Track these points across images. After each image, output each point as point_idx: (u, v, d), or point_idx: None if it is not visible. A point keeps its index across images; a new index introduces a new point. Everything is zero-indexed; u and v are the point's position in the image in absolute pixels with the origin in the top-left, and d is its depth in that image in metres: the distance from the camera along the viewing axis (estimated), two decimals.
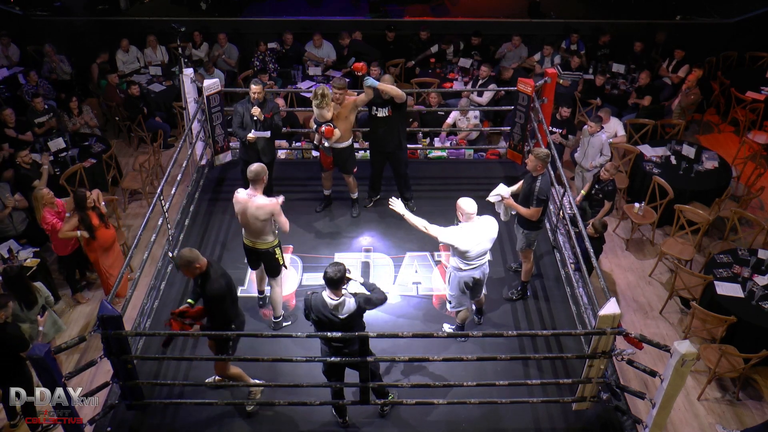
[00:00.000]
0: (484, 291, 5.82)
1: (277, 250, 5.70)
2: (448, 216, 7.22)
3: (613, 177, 7.28)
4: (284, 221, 5.56)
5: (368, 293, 4.70)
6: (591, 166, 8.00)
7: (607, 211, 7.42)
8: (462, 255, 5.30)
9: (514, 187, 6.04)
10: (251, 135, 6.66)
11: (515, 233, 6.19)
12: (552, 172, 6.85)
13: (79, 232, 6.58)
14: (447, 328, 5.98)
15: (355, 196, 7.32)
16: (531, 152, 5.89)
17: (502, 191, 5.90)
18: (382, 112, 6.70)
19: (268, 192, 6.52)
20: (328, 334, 4.65)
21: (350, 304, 4.62)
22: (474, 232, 5.26)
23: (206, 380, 5.34)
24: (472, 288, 5.55)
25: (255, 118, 6.63)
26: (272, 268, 5.80)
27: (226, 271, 4.89)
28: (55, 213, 6.65)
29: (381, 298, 4.72)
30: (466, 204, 5.27)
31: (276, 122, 6.80)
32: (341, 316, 4.61)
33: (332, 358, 4.80)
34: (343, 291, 4.60)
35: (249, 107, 6.67)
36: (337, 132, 6.59)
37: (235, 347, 5.08)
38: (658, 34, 10.85)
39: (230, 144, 8.00)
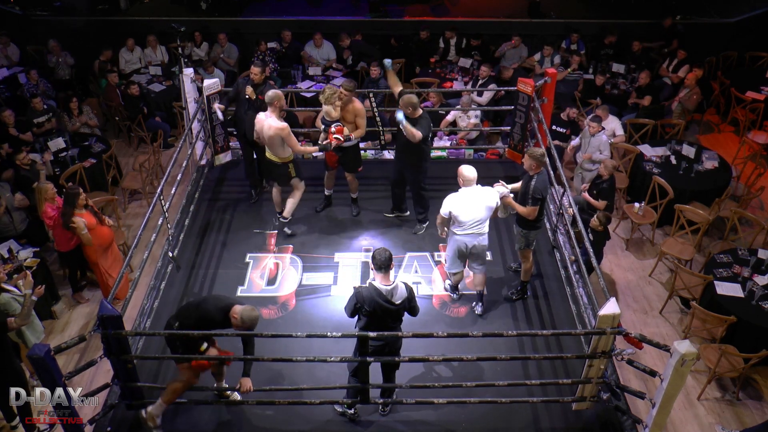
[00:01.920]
0: (483, 270, 5.99)
1: (290, 165, 6.61)
2: None
3: (610, 174, 7.25)
4: (294, 143, 6.41)
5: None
6: (585, 157, 7.99)
7: (602, 210, 7.35)
8: (456, 219, 5.69)
9: (516, 185, 6.07)
10: (216, 105, 7.38)
11: (515, 233, 6.20)
12: (552, 172, 6.86)
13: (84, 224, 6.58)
14: (446, 283, 6.38)
15: (355, 195, 7.33)
16: (526, 151, 5.95)
17: (500, 190, 5.93)
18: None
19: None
20: (372, 333, 4.74)
21: (402, 289, 4.73)
22: (470, 198, 5.69)
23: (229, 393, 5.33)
24: (468, 255, 5.91)
25: (247, 96, 7.01)
26: (282, 179, 6.74)
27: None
28: (56, 208, 6.65)
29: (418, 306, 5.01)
30: (466, 170, 5.73)
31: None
32: (397, 302, 4.69)
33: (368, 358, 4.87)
34: (392, 277, 4.72)
35: (245, 83, 7.11)
36: (346, 130, 6.65)
37: None
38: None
39: (230, 144, 8.01)
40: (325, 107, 6.63)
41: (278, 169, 6.65)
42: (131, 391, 5.08)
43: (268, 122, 6.34)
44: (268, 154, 6.60)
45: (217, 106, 7.42)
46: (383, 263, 4.66)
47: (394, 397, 5.29)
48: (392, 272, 4.77)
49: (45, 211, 6.59)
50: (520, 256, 6.23)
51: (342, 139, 6.62)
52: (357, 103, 6.81)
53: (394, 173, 7.03)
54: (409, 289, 4.82)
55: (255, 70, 6.97)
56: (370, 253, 6.79)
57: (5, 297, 5.69)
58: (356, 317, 4.90)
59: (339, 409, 5.26)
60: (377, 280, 4.70)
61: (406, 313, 4.93)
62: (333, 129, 6.57)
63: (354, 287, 4.87)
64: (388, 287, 4.67)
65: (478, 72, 9.83)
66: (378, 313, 4.71)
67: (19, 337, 5.94)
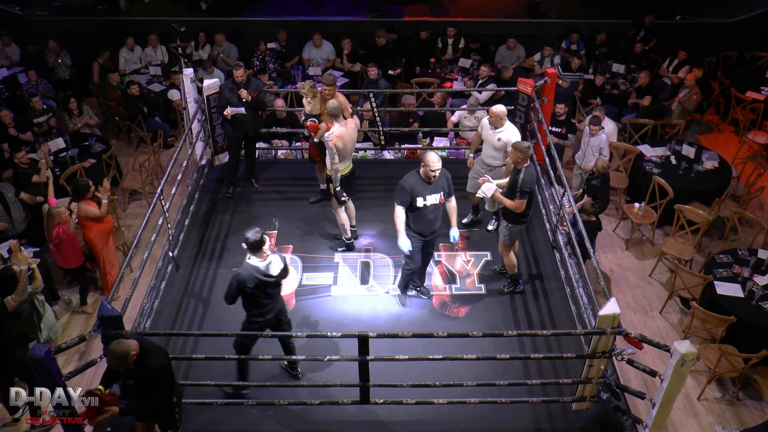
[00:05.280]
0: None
1: (333, 181, 6.33)
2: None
3: (602, 172, 7.19)
4: (330, 154, 6.16)
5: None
6: (586, 168, 7.96)
7: (588, 206, 7.22)
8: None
9: (503, 181, 6.08)
10: (227, 111, 7.14)
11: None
12: (552, 172, 6.87)
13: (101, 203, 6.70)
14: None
15: (323, 186, 7.33)
16: (512, 144, 5.95)
17: (487, 189, 5.96)
18: (432, 200, 5.71)
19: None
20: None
21: (278, 261, 5.03)
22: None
23: None
24: None
25: (243, 99, 7.09)
26: (330, 194, 6.47)
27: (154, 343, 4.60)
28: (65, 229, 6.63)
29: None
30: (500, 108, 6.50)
31: (261, 99, 7.33)
32: (274, 274, 4.98)
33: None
34: (266, 252, 4.95)
35: (235, 89, 7.14)
36: (322, 126, 6.65)
37: (180, 417, 4.73)
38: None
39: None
40: (304, 101, 6.88)
41: (328, 184, 6.55)
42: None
43: (351, 125, 6.29)
44: (351, 164, 6.45)
45: (227, 111, 7.22)
46: (256, 244, 4.88)
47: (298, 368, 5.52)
48: (265, 247, 4.97)
49: (54, 233, 6.58)
50: (499, 249, 6.22)
51: (317, 139, 6.73)
52: (340, 98, 6.74)
53: (423, 252, 6.08)
54: (283, 258, 5.10)
55: (239, 72, 7.07)
56: (370, 254, 6.88)
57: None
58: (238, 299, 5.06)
59: (282, 366, 5.52)
60: (252, 259, 4.92)
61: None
62: (307, 123, 6.82)
63: (232, 271, 5.04)
64: (265, 262, 4.92)
65: (478, 72, 9.83)
66: (261, 288, 4.96)
67: (33, 333, 5.97)
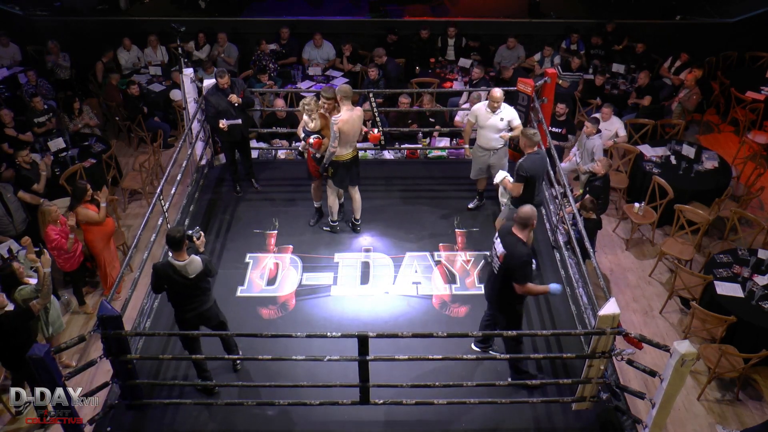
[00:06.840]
0: None
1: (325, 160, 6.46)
2: (449, 217, 7.28)
3: (604, 172, 7.19)
4: (332, 137, 6.30)
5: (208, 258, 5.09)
6: (581, 170, 7.92)
7: (588, 203, 7.20)
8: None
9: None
10: (223, 124, 7.10)
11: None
12: (552, 172, 6.87)
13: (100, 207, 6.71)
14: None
15: (317, 205, 7.29)
16: (521, 130, 6.17)
17: (499, 175, 6.19)
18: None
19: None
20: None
21: (197, 263, 4.90)
22: None
23: None
24: None
25: (235, 103, 7.07)
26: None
27: None
28: (59, 231, 6.62)
29: (215, 269, 5.23)
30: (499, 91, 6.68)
31: (248, 97, 7.31)
32: (191, 276, 4.89)
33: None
34: (187, 253, 4.89)
35: (221, 95, 7.08)
36: (325, 142, 6.53)
37: None
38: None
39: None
40: (305, 117, 6.60)
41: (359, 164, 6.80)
42: (131, 390, 5.08)
43: (357, 113, 6.39)
44: (353, 152, 6.58)
45: (222, 123, 7.15)
46: (173, 242, 4.81)
47: (240, 353, 5.56)
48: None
49: (48, 234, 6.56)
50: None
51: (319, 155, 6.59)
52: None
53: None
54: (205, 262, 4.96)
55: (223, 80, 7.00)
56: (370, 253, 6.88)
57: (27, 290, 5.72)
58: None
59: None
60: (171, 256, 4.87)
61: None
62: (311, 141, 6.51)
63: (154, 264, 5.03)
64: (182, 263, 4.85)
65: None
66: (177, 287, 4.93)
67: (41, 330, 6.01)
